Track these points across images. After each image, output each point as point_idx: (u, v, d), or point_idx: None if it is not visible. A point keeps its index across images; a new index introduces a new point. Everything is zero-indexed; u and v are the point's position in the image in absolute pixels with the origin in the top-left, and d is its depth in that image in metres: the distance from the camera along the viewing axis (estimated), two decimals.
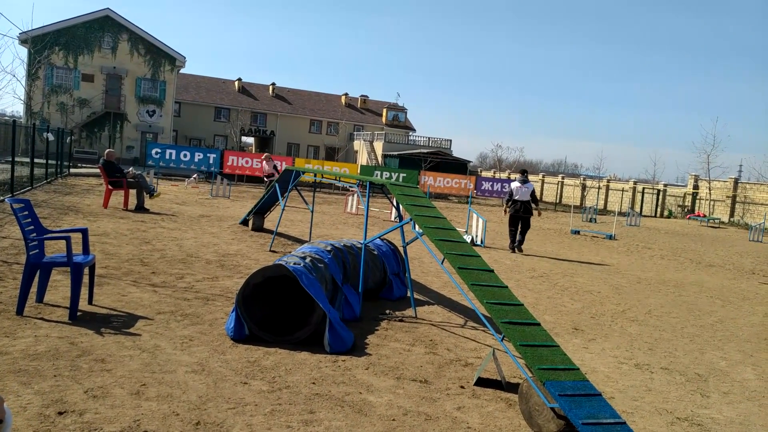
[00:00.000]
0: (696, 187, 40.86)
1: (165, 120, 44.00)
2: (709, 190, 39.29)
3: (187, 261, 8.82)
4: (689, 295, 10.31)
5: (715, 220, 35.42)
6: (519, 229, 13.66)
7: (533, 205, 13.81)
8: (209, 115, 57.93)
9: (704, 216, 36.52)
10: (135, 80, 42.91)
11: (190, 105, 56.86)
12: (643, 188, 42.71)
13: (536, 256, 13.19)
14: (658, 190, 41.70)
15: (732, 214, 37.67)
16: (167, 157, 29.42)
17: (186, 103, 56.35)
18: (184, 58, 44.10)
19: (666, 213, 40.70)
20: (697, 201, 40.55)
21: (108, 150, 15.24)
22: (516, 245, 13.62)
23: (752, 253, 19.51)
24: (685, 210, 40.16)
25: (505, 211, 13.99)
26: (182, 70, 47.21)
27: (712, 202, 39.04)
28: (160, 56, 43.28)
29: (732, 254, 18.39)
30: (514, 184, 13.96)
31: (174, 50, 43.61)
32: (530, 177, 50.82)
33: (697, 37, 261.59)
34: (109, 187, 14.45)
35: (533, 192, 13.96)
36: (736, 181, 38.66)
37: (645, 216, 36.58)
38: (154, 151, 29.42)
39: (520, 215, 13.62)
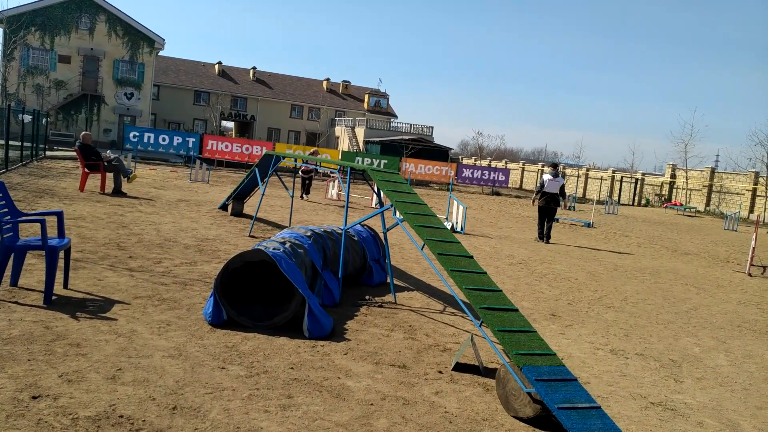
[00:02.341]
0: (673, 176, 41.37)
1: (143, 103, 43.35)
2: (686, 179, 39.81)
3: (165, 245, 8.73)
4: (665, 282, 10.46)
5: (692, 209, 35.94)
6: (546, 221, 14.10)
7: (561, 198, 14.35)
8: (188, 99, 57.21)
9: (681, 205, 37.03)
10: (113, 62, 42.15)
11: (169, 88, 56.08)
12: (622, 177, 43.15)
13: (516, 244, 13.28)
14: (636, 179, 42.15)
15: (708, 203, 38.24)
16: (145, 140, 29.06)
17: (165, 86, 55.57)
18: (163, 40, 43.41)
19: (643, 202, 41.19)
20: (674, 190, 41.10)
21: (84, 132, 14.99)
22: (545, 236, 14.00)
23: (727, 241, 19.84)
24: (662, 199, 40.69)
25: (534, 201, 14.27)
26: (161, 53, 46.48)
27: (688, 192, 39.58)
28: (138, 38, 42.55)
29: (707, 243, 18.69)
30: (546, 177, 14.24)
31: (153, 32, 42.89)
32: (510, 165, 51.04)
33: (678, 28, 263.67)
34: (86, 170, 14.23)
35: (563, 186, 14.37)
36: (713, 171, 39.22)
37: (623, 204, 37.00)
38: (131, 135, 29.02)
39: (549, 207, 13.99)
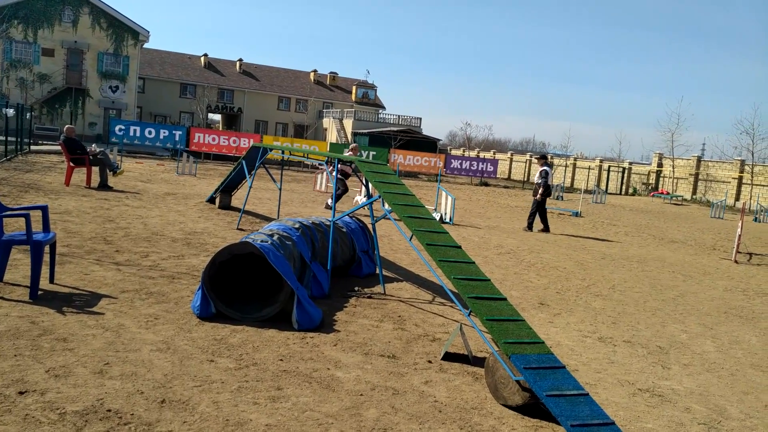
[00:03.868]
0: (660, 165, 41.63)
1: (128, 96, 42.98)
2: (673, 168, 40.06)
3: (152, 239, 8.68)
4: (652, 270, 10.54)
5: (678, 198, 36.20)
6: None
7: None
8: (175, 92, 56.75)
9: (667, 193, 37.29)
10: (97, 55, 41.71)
11: (154, 81, 55.58)
12: (609, 166, 43.35)
13: (505, 234, 13.31)
14: (624, 168, 42.37)
15: (694, 192, 38.53)
16: (131, 134, 28.83)
17: (150, 78, 55.07)
18: (148, 32, 43.01)
19: (631, 190, 41.43)
20: (661, 179, 41.36)
21: (67, 126, 14.82)
22: (529, 225, 14.35)
23: (713, 229, 20.01)
24: (649, 187, 40.95)
25: (542, 194, 14.31)
26: (146, 45, 46.07)
27: (675, 180, 39.85)
28: (122, 30, 42.11)
29: (694, 231, 18.84)
30: (548, 169, 14.51)
31: (137, 24, 42.47)
32: (498, 155, 51.19)
33: (665, 17, 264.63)
34: (71, 164, 14.10)
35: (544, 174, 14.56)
36: (699, 160, 39.50)
37: (610, 193, 37.19)
38: (117, 128, 28.78)
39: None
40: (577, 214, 19.81)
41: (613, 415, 4.21)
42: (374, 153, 32.23)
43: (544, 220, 14.34)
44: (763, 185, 34.83)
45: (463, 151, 56.89)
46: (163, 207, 12.02)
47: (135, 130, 29.06)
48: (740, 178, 36.07)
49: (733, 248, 12.99)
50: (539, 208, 14.31)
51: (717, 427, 4.28)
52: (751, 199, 33.70)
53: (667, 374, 5.28)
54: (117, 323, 5.06)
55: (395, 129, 47.92)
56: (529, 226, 14.25)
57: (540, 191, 14.17)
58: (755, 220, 26.51)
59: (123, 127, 28.90)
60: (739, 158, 36.83)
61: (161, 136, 29.23)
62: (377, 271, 7.51)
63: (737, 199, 35.14)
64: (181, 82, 57.03)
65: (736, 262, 12.50)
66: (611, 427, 3.68)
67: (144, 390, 3.88)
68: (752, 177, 35.18)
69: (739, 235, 12.90)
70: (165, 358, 4.42)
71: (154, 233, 9.11)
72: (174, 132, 29.70)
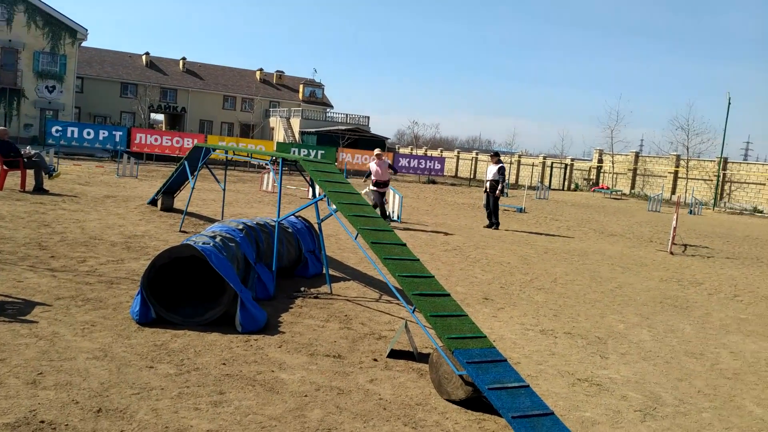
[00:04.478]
0: (600, 160, 42.84)
1: (66, 96, 41.49)
2: (612, 163, 41.30)
3: (90, 244, 8.41)
4: (592, 263, 10.84)
5: (618, 192, 37.36)
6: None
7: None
8: (115, 91, 55.13)
9: (608, 188, 38.42)
10: (32, 54, 40.09)
11: (93, 80, 53.86)
12: (552, 163, 44.38)
13: (452, 231, 13.46)
14: (566, 165, 43.46)
15: (633, 186, 39.82)
16: (69, 135, 27.87)
17: (89, 78, 53.34)
18: (86, 30, 41.60)
19: (573, 186, 42.51)
20: (602, 174, 42.57)
21: (0, 128, 14.22)
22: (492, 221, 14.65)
23: (651, 222, 20.73)
24: (590, 183, 42.09)
25: (500, 191, 14.60)
26: (84, 44, 44.52)
27: (615, 175, 41.09)
28: (59, 28, 40.60)
29: (632, 224, 19.47)
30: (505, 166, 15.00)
31: (75, 22, 41.02)
32: (445, 154, 51.70)
33: (603, 15, 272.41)
34: (4, 167, 13.52)
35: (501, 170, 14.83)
36: (637, 155, 40.84)
37: (554, 189, 38.08)
38: (54, 129, 27.78)
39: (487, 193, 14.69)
40: (521, 210, 20.20)
41: (553, 405, 4.31)
42: (322, 152, 32.08)
43: (495, 216, 14.63)
44: (698, 179, 36.29)
45: (411, 150, 57.25)
46: (102, 210, 11.67)
47: (73, 131, 28.12)
48: (676, 173, 37.48)
49: (669, 240, 13.48)
50: (496, 204, 14.62)
51: (652, 414, 4.44)
52: (686, 192, 35.05)
53: (605, 364, 5.45)
54: (51, 331, 4.89)
55: (343, 128, 47.82)
56: (497, 224, 14.56)
57: (499, 188, 14.47)
58: (690, 212, 27.61)
59: (60, 128, 27.91)
60: (675, 153, 38.26)
61: (101, 137, 28.36)
62: (324, 271, 7.48)
63: (673, 192, 36.50)
64: (122, 81, 55.47)
65: (671, 253, 12.98)
66: (551, 417, 3.77)
67: (79, 399, 3.76)
68: (687, 171, 36.60)
69: (675, 228, 13.40)
70: (102, 366, 4.30)
71: (92, 237, 8.84)
72: (114, 133, 28.86)
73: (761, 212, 32.08)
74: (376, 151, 13.79)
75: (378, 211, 11.58)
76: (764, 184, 33.00)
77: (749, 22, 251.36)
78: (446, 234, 12.58)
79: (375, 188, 13.25)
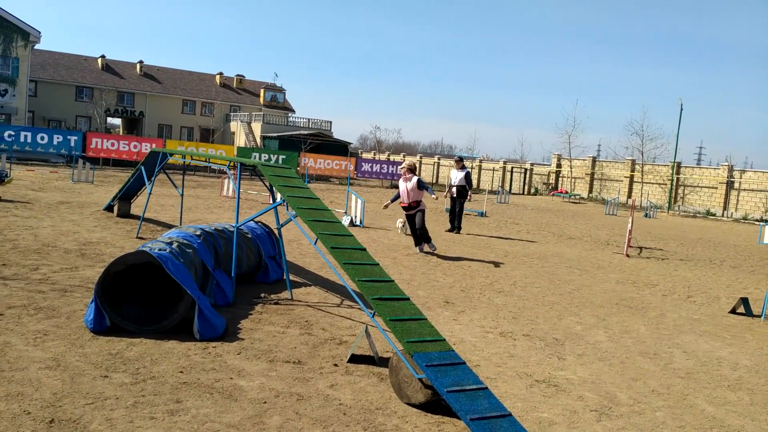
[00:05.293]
0: (559, 165, 43.62)
1: (19, 100, 40.34)
2: (571, 168, 42.10)
3: (43, 251, 8.19)
4: (551, 266, 11.02)
5: (576, 196, 38.09)
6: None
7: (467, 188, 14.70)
8: (70, 95, 53.82)
9: (566, 192, 39.15)
10: None
11: (47, 84, 52.49)
12: (512, 167, 45.00)
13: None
14: (526, 169, 44.10)
15: (591, 190, 40.65)
16: (22, 139, 27.08)
17: (43, 81, 51.96)
18: (39, 33, 40.53)
19: (532, 190, 43.17)
20: (560, 179, 43.35)
21: None
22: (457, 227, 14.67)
23: (607, 225, 21.18)
24: (550, 187, 42.82)
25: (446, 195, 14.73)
26: (38, 46, 43.41)
27: (573, 180, 41.89)
28: (11, 31, 39.46)
29: (590, 227, 19.87)
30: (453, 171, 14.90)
31: (27, 24, 39.94)
32: (408, 158, 51.95)
33: (560, 22, 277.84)
34: None
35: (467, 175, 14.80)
36: (594, 160, 41.72)
37: (514, 194, 38.59)
38: (6, 134, 26.94)
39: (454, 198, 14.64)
40: (482, 214, 20.42)
41: (511, 406, 4.36)
42: (284, 157, 31.89)
43: (459, 221, 14.74)
44: (653, 183, 37.26)
45: (374, 155, 57.34)
46: (55, 217, 11.37)
47: (26, 136, 27.34)
48: (632, 177, 38.40)
49: (625, 243, 13.79)
50: (462, 210, 14.76)
51: (608, 413, 4.53)
52: (641, 196, 35.95)
53: (563, 365, 5.54)
54: (2, 341, 4.74)
55: (305, 132, 47.64)
56: (459, 228, 14.70)
57: (468, 193, 14.60)
58: (646, 216, 28.31)
59: (12, 133, 27.09)
60: (631, 158, 39.21)
61: (55, 142, 27.65)
62: (285, 277, 7.43)
63: (629, 196, 37.36)
64: (77, 84, 54.20)
65: (627, 255, 13.28)
66: (508, 418, 3.81)
67: (31, 410, 3.65)
68: (642, 176, 37.54)
69: (630, 231, 13.71)
70: (55, 376, 4.19)
71: (45, 245, 8.60)
72: (69, 137, 28.17)
73: (714, 215, 33.10)
74: (405, 164, 10.88)
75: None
76: (716, 188, 34.07)
77: (701, 29, 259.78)
78: (408, 235, 12.62)
79: (405, 213, 11.13)
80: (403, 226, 11.62)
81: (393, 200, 11.35)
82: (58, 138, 27.89)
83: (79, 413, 3.68)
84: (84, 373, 4.29)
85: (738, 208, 33.01)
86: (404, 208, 11.08)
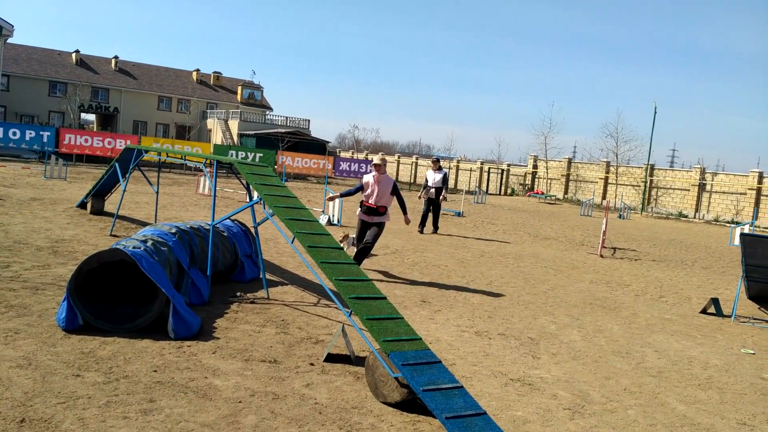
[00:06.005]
0: (535, 166, 44.01)
1: None
2: (547, 169, 42.50)
3: (14, 248, 8.04)
4: (526, 266, 11.12)
5: (552, 197, 38.47)
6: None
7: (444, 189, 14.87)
8: (43, 90, 52.88)
9: (542, 193, 39.51)
10: None
11: (20, 78, 51.49)
12: (489, 168, 45.28)
13: (391, 234, 13.54)
14: (503, 170, 44.44)
15: (566, 191, 41.09)
16: None
17: (15, 76, 50.97)
18: (12, 26, 39.64)
19: (509, 191, 43.50)
20: (537, 179, 43.73)
21: None
22: (434, 226, 14.74)
23: (582, 226, 21.43)
24: (526, 188, 43.18)
25: (420, 196, 14.85)
26: (10, 40, 42.52)
27: (549, 181, 42.30)
28: None
29: (565, 228, 20.08)
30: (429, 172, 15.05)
31: None
32: (387, 157, 52.08)
33: (537, 25, 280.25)
34: None
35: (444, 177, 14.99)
36: (570, 161, 42.18)
37: (491, 194, 38.85)
38: None
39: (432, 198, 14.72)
40: (459, 214, 20.52)
41: (486, 405, 4.40)
42: (261, 155, 31.70)
43: (436, 221, 14.82)
44: (627, 185, 37.77)
45: (352, 154, 57.29)
46: (27, 213, 11.18)
47: None
48: (606, 179, 38.89)
49: (599, 244, 13.97)
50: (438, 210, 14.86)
51: (581, 412, 4.59)
52: (615, 197, 36.42)
53: (537, 364, 5.60)
54: None
55: (283, 131, 47.38)
56: (436, 228, 14.75)
57: (443, 195, 14.66)
58: (620, 217, 28.69)
59: None
60: (605, 160, 39.70)
61: (27, 138, 27.16)
62: (261, 276, 7.40)
63: (604, 197, 37.84)
64: (50, 79, 53.26)
65: (601, 256, 13.46)
66: (483, 417, 3.84)
67: (1, 410, 3.59)
68: (617, 177, 38.04)
69: (604, 232, 13.90)
70: (26, 375, 4.12)
71: (16, 242, 8.45)
72: (42, 133, 27.68)
73: (686, 217, 33.67)
74: (376, 159, 8.86)
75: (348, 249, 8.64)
76: (689, 190, 34.67)
77: (676, 34, 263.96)
78: (385, 236, 12.63)
79: (361, 214, 8.75)
80: (346, 239, 9.06)
81: (345, 194, 9.01)
82: (30, 133, 27.40)
83: (50, 413, 3.63)
84: (56, 372, 4.22)
85: (710, 210, 33.62)
86: (366, 210, 8.65)
